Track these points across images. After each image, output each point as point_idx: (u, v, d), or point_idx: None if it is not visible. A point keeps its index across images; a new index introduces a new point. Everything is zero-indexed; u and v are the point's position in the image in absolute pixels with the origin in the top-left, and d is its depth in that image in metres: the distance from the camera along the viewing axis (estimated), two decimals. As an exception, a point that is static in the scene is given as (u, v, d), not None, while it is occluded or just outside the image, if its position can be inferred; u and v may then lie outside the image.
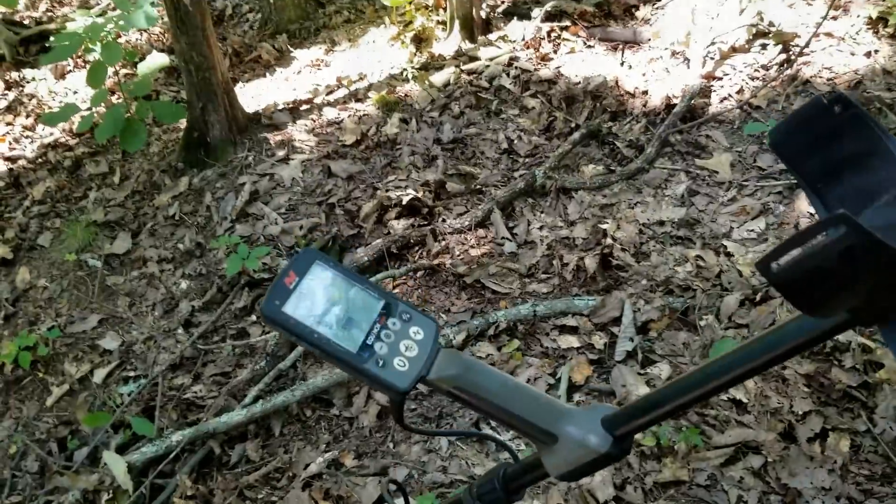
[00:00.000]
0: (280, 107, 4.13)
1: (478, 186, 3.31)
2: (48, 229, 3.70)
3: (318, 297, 0.91)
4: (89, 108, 3.84)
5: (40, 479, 2.52)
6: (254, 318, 2.95)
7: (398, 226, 3.11)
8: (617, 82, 3.69)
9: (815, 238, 0.55)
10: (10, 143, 4.64)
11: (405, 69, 4.17)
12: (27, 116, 4.86)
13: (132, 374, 2.85)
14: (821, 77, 3.36)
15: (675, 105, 3.42)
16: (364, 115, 3.93)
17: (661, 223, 2.91)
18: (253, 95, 4.33)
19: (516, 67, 4.00)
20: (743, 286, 2.51)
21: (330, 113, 4.01)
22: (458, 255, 2.95)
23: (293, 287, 0.90)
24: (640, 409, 0.86)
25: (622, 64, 3.87)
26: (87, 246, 3.52)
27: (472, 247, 2.99)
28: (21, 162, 4.37)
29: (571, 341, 2.53)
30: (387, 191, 3.29)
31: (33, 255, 3.56)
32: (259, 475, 2.35)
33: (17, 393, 2.90)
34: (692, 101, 3.39)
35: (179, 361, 2.82)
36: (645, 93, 3.60)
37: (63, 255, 3.46)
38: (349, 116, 3.92)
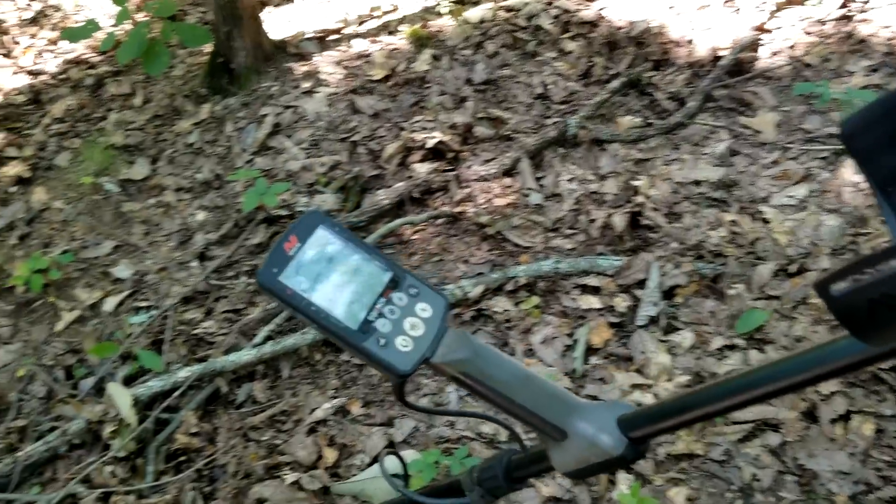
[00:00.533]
0: (308, 35, 4.01)
1: (507, 132, 3.20)
2: (66, 149, 3.66)
3: (319, 266, 0.85)
4: (114, 26, 3.75)
5: (46, 405, 2.53)
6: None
7: (421, 169, 3.03)
8: (662, 29, 3.52)
9: (887, 264, 0.47)
10: (34, 58, 4.58)
11: (440, 2, 4.01)
12: (52, 29, 4.79)
13: (144, 304, 2.83)
14: (878, 37, 3.17)
15: (721, 57, 3.26)
16: (394, 49, 3.80)
17: (697, 183, 2.79)
18: (281, 22, 4.20)
19: (557, 6, 3.83)
20: (778, 255, 2.41)
21: (359, 45, 3.89)
22: (482, 204, 2.86)
23: (293, 253, 0.84)
24: (663, 412, 0.80)
25: (671, 8, 3.68)
26: (104, 169, 3.48)
27: (496, 196, 2.90)
28: (43, 77, 4.32)
29: (592, 302, 2.46)
30: (412, 132, 3.19)
31: (50, 175, 3.53)
32: (265, 416, 2.34)
33: (27, 316, 2.90)
34: (740, 54, 3.22)
35: (192, 295, 2.80)
36: (691, 42, 3.43)
37: (80, 178, 3.43)
38: (379, 50, 3.80)
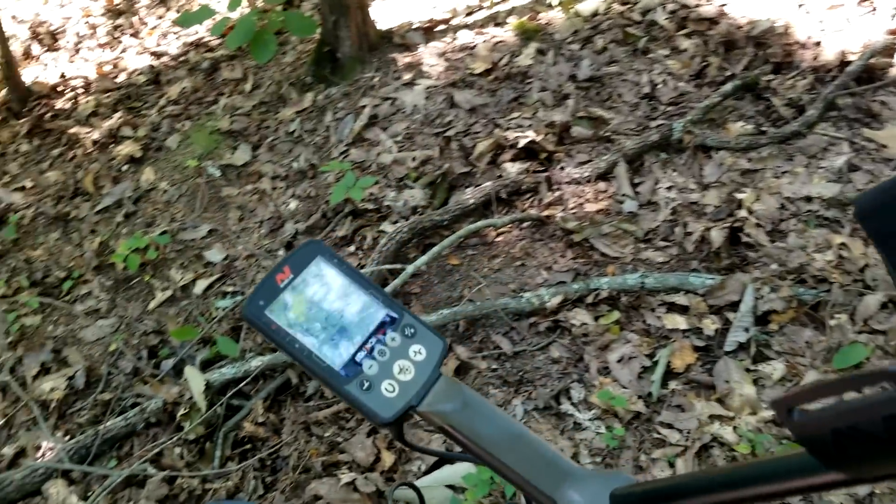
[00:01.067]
0: (415, 26, 3.99)
1: (607, 133, 3.07)
2: (177, 131, 3.81)
3: (310, 300, 0.81)
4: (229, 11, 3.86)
5: (131, 381, 2.64)
6: (353, 248, 2.92)
7: (512, 169, 2.95)
8: (787, 29, 3.27)
9: (861, 390, 0.39)
10: (158, 39, 4.81)
11: (552, -7, 3.90)
12: (178, 11, 5.00)
13: (230, 289, 2.91)
14: None
15: (850, 62, 2.99)
16: (499, 41, 3.72)
17: (809, 199, 2.58)
18: (389, 11, 4.21)
19: (676, 1, 3.64)
20: (888, 286, 2.18)
21: (464, 36, 3.83)
22: (571, 209, 2.76)
23: (284, 286, 0.81)
24: (660, 492, 0.71)
25: (800, 6, 3.41)
26: (209, 153, 3.60)
27: (587, 201, 2.79)
28: (164, 59, 4.52)
29: (678, 322, 2.32)
30: (507, 129, 3.11)
31: (160, 156, 3.69)
32: (329, 412, 2.34)
33: (125, 292, 3.04)
34: (871, 60, 2.94)
35: (274, 284, 2.85)
36: (818, 44, 3.17)
37: (186, 161, 3.56)
38: (483, 42, 3.73)
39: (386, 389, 0.77)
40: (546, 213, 2.75)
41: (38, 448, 2.53)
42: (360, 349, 0.78)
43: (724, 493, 0.63)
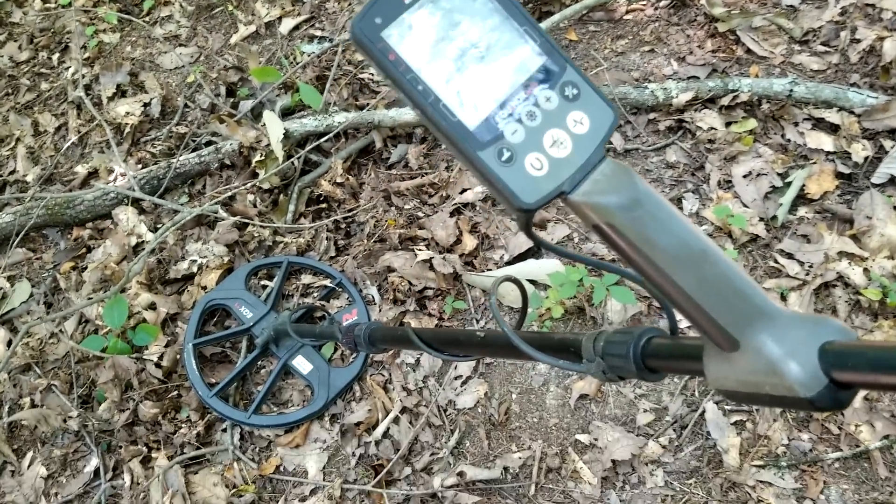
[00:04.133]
0: None
1: None
2: None
3: (444, 26, 0.60)
4: None
5: (207, 118, 2.52)
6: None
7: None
8: None
9: None
10: None
11: None
12: None
13: (318, 33, 2.68)
14: None
15: None
16: None
17: None
18: None
19: None
20: None
21: None
22: (720, -8, 2.38)
23: (411, 1, 0.60)
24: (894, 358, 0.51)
25: None
26: None
27: (741, -15, 2.40)
28: None
29: (824, 142, 2.04)
30: None
31: None
32: (412, 184, 2.20)
33: (206, 21, 2.84)
34: None
35: (367, 33, 2.61)
36: None
37: None
38: None
39: (532, 165, 0.58)
40: (690, -8, 2.38)
41: (111, 172, 2.49)
42: (502, 106, 0.59)
43: None
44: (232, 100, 2.55)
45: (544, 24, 2.28)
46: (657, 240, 0.57)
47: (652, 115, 2.19)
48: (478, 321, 1.97)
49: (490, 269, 2.01)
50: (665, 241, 0.58)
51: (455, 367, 1.92)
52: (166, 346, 2.07)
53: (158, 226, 2.34)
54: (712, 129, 2.11)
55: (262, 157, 2.24)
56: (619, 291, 1.81)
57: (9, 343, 2.21)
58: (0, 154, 2.68)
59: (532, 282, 1.99)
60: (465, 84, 0.59)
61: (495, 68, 0.60)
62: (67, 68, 2.81)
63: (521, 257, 2.03)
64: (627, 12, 2.43)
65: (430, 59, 0.59)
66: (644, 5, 2.41)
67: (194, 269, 2.18)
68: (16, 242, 2.38)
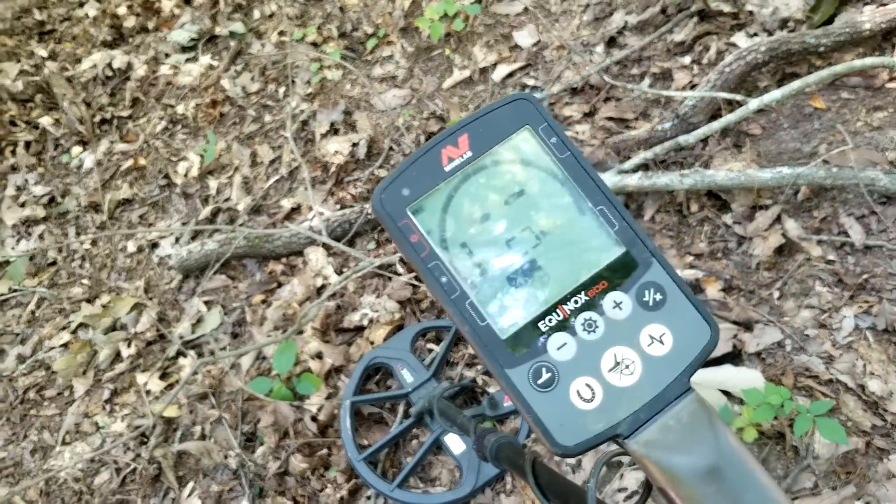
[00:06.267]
0: None
1: None
2: None
3: (489, 203, 0.48)
4: None
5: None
6: (687, 60, 2.40)
7: (941, -13, 2.15)
8: None
9: None
10: None
11: None
12: None
13: (531, 82, 2.58)
14: None
15: None
16: None
17: None
18: None
19: None
20: None
21: None
22: None
23: (451, 170, 0.48)
24: None
25: None
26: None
27: None
28: None
29: None
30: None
31: None
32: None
33: (423, 63, 2.85)
34: None
35: (579, 87, 2.47)
36: None
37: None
38: None
39: (579, 394, 0.44)
40: (975, 60, 1.98)
41: (311, 209, 2.55)
42: (551, 310, 0.45)
43: None
44: (431, 147, 2.51)
45: (783, 90, 2.00)
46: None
47: None
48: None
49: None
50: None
51: (621, 478, 1.71)
52: (327, 397, 2.06)
53: (345, 269, 2.35)
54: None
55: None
56: (827, 425, 1.51)
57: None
58: (220, 181, 2.86)
59: (725, 393, 1.73)
60: (507, 277, 0.45)
61: (550, 260, 0.45)
62: (290, 102, 2.95)
63: (718, 360, 1.78)
64: (891, 79, 2.08)
65: (463, 242, 0.46)
66: (911, 73, 2.05)
67: (365, 322, 2.16)
68: (216, 269, 2.51)
